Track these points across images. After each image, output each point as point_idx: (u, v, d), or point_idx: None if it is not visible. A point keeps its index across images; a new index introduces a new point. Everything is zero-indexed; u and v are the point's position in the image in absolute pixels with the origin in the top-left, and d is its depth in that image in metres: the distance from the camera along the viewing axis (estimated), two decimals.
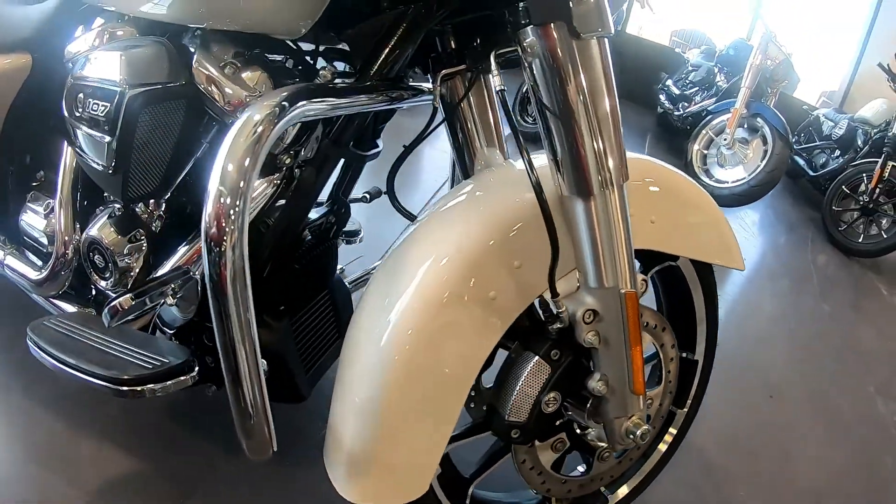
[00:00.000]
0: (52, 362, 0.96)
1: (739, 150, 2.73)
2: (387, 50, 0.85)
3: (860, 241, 3.47)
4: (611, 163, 0.77)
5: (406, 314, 0.75)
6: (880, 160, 3.34)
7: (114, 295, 1.08)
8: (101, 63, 0.93)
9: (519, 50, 0.76)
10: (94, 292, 1.21)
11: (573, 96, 0.73)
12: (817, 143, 3.88)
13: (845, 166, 3.63)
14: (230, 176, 0.64)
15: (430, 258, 0.78)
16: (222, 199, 0.64)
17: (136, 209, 1.07)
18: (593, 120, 0.74)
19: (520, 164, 0.90)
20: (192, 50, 0.94)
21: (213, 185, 0.64)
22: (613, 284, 0.82)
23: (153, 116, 0.89)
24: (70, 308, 1.20)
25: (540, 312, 0.85)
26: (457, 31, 0.94)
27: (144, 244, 1.07)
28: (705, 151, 3.24)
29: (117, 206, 1.08)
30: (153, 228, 1.08)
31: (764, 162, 2.66)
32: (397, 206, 1.07)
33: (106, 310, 0.96)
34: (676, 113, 4.20)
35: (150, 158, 0.94)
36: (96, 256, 1.09)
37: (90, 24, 1.16)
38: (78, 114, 0.95)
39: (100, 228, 1.07)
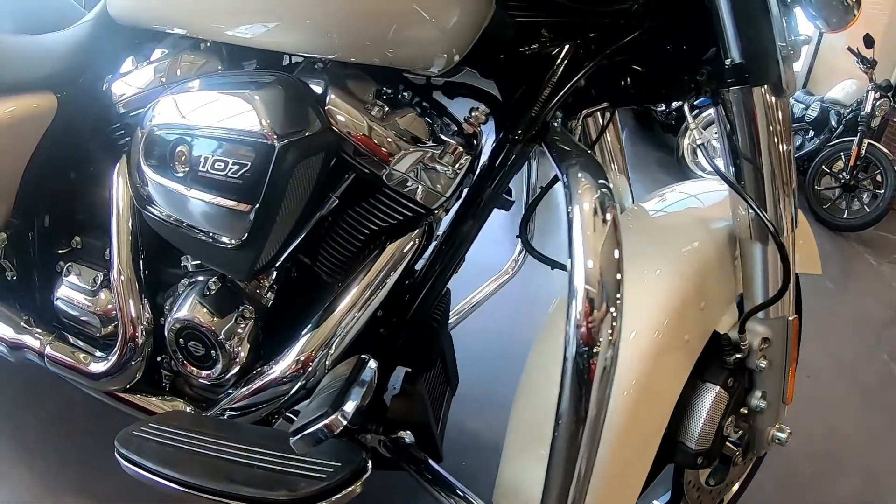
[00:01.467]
0: (175, 487, 0.76)
1: None
2: (549, 88, 0.76)
3: (844, 217, 3.60)
4: (791, 208, 0.79)
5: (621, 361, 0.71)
6: (856, 139, 3.46)
7: (212, 383, 0.90)
8: (221, 107, 0.73)
9: (713, 100, 0.76)
10: (166, 378, 1.00)
11: (769, 146, 0.75)
12: (791, 125, 4.02)
13: (822, 147, 3.73)
14: (595, 274, 0.58)
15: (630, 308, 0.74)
16: (593, 301, 0.58)
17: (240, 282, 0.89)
18: (783, 167, 0.77)
19: (652, 206, 0.95)
20: (319, 88, 0.77)
21: (580, 284, 0.58)
22: (783, 314, 0.87)
23: (301, 173, 0.72)
24: (139, 400, 0.99)
25: (723, 346, 0.87)
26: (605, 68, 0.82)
27: (253, 322, 0.88)
28: (695, 145, 3.27)
29: (208, 279, 0.89)
30: (264, 303, 0.89)
31: None
32: (534, 251, 0.97)
33: (300, 435, 0.71)
34: (659, 108, 4.23)
35: (285, 224, 0.76)
36: (191, 343, 0.89)
37: (143, 54, 0.94)
38: (180, 174, 0.75)
39: (192, 308, 0.88)
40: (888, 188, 3.39)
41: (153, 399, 0.98)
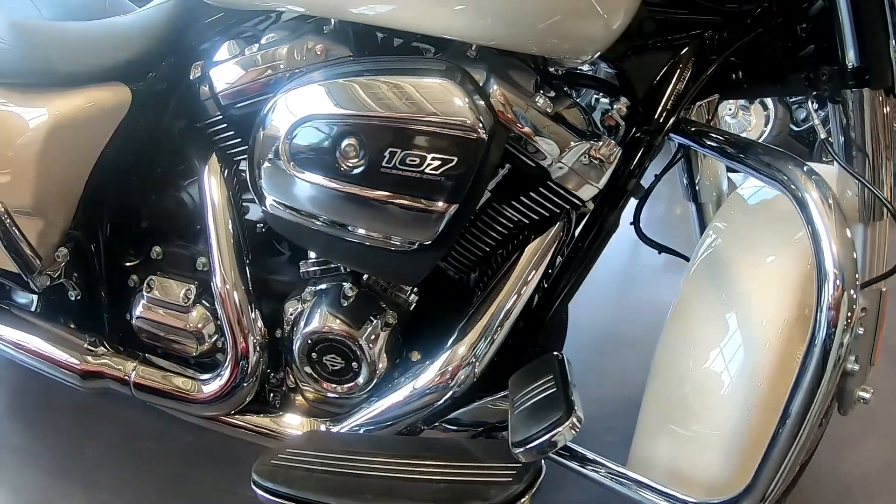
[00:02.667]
0: None
1: (742, 117, 2.86)
2: (682, 81, 0.74)
3: None
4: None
5: (756, 347, 0.76)
6: None
7: (343, 397, 0.83)
8: (408, 97, 0.65)
9: (831, 98, 0.77)
10: (275, 395, 0.92)
11: (881, 139, 0.76)
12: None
13: (828, 119, 3.87)
14: (841, 257, 0.57)
15: (759, 288, 0.79)
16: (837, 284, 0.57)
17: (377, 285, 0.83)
18: (892, 157, 0.79)
19: (751, 194, 0.95)
20: (478, 78, 0.71)
21: (829, 268, 0.57)
22: (877, 287, 0.89)
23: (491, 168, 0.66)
24: (247, 422, 0.90)
25: None
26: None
27: (394, 329, 0.82)
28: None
29: (338, 285, 0.82)
30: (406, 307, 0.83)
31: (768, 128, 2.83)
32: (645, 237, 0.97)
33: (531, 445, 0.66)
34: None
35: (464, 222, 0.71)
36: (328, 356, 0.82)
37: (245, 38, 0.84)
38: (351, 172, 0.68)
39: (327, 318, 0.80)
40: None
41: (260, 418, 0.90)
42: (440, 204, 0.65)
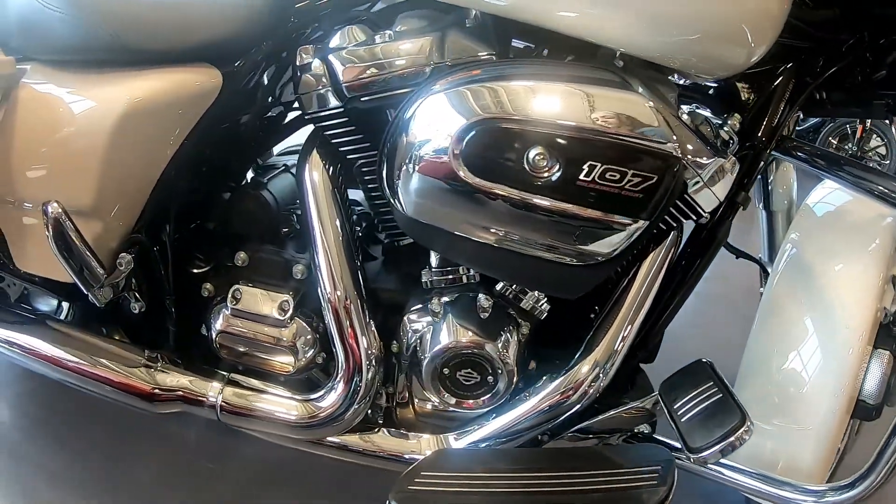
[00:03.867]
0: None
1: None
2: (785, 100, 0.76)
3: None
4: None
5: (839, 352, 0.82)
6: None
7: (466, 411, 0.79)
8: (600, 108, 0.61)
9: None
10: (379, 411, 0.85)
11: None
12: None
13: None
14: None
15: (839, 296, 0.85)
16: None
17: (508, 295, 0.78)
18: None
19: (820, 204, 1.00)
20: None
21: None
22: None
23: None
24: (355, 442, 0.82)
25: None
26: None
27: (527, 340, 0.78)
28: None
29: (471, 296, 0.77)
30: (538, 317, 0.78)
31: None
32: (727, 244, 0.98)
33: (714, 449, 0.67)
34: None
35: None
36: (463, 371, 0.76)
37: (370, 25, 0.76)
38: (533, 178, 0.62)
39: (464, 333, 0.75)
40: (893, 160, 3.55)
41: (364, 437, 0.82)
42: (633, 220, 0.62)
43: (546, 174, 0.62)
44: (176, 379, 0.84)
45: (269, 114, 0.90)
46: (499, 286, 0.78)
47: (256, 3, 0.78)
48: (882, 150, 3.80)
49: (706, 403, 0.71)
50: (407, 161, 0.67)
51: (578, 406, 0.77)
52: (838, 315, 0.85)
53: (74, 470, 1.04)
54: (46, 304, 1.15)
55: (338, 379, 0.79)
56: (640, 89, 0.65)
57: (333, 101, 0.75)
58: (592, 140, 0.61)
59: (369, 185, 0.80)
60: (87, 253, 0.78)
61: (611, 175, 0.60)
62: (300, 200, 0.79)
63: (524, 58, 0.72)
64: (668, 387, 0.75)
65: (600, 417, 0.79)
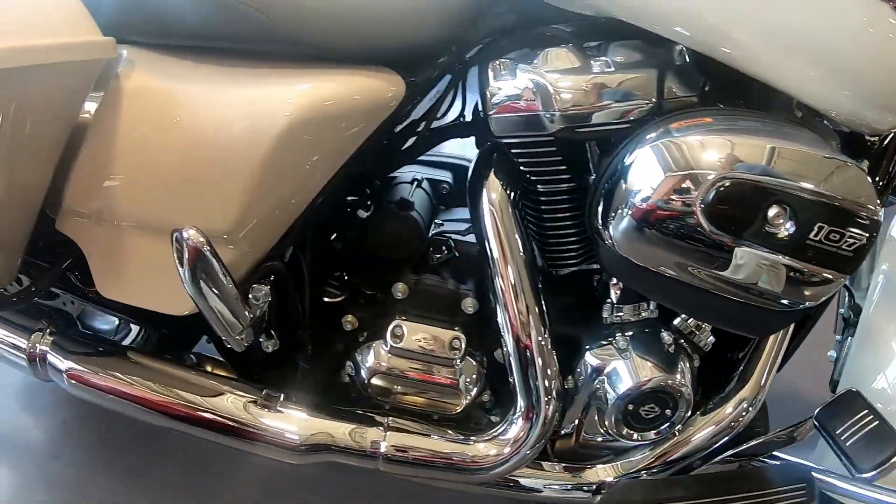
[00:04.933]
0: None
1: None
2: None
3: None
4: None
5: None
6: None
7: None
8: (812, 166, 0.62)
9: None
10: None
11: None
12: None
13: None
14: None
15: None
16: None
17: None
18: None
19: None
20: None
21: None
22: None
23: None
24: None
25: None
26: None
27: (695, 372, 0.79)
28: None
29: (649, 331, 0.77)
30: (705, 348, 0.80)
31: None
32: None
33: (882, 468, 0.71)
34: None
35: None
36: (646, 406, 0.75)
37: (588, 50, 0.69)
38: (768, 234, 0.62)
39: (653, 370, 0.74)
40: None
41: (533, 472, 0.80)
42: (841, 275, 0.66)
43: (779, 231, 0.63)
44: (324, 425, 0.74)
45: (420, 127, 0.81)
46: (676, 321, 0.79)
47: (451, 4, 0.68)
48: None
49: (868, 429, 0.78)
50: (630, 203, 0.64)
51: (731, 435, 0.82)
52: None
53: None
54: (106, 322, 0.97)
55: (516, 415, 0.75)
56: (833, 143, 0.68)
57: (539, 128, 0.69)
58: (826, 203, 0.63)
59: (545, 214, 0.76)
60: (234, 291, 0.65)
61: (834, 235, 0.63)
62: (478, 227, 0.73)
63: (747, 109, 0.71)
64: (827, 414, 0.81)
65: (752, 443, 0.84)
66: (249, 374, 0.83)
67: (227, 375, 0.81)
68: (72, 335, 0.87)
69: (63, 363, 0.83)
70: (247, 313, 0.67)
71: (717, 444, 0.82)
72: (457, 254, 0.80)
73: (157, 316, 0.77)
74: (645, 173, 0.64)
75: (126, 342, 1.04)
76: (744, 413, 0.81)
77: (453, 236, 0.81)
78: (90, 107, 0.72)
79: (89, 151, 0.72)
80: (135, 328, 1.02)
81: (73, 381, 0.83)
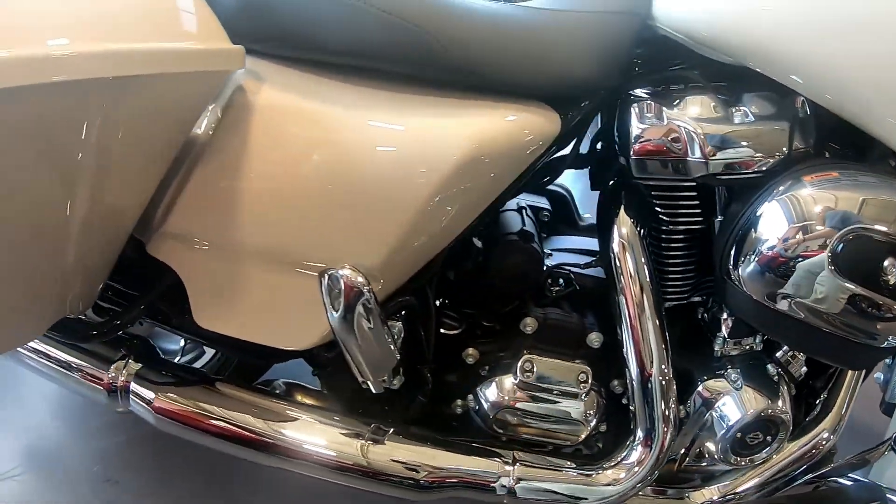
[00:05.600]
0: None
1: None
2: None
3: None
4: None
5: None
6: None
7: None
8: None
9: None
10: None
11: None
12: None
13: None
14: None
15: None
16: None
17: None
18: None
19: None
20: None
21: None
22: None
23: None
24: None
25: None
26: None
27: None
28: None
29: (767, 365, 0.81)
30: (799, 378, 0.84)
31: None
32: None
33: None
34: None
35: None
36: (752, 434, 0.79)
37: (715, 94, 0.70)
38: (884, 282, 0.65)
39: (761, 401, 0.78)
40: None
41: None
42: None
43: (892, 278, 0.67)
44: (448, 460, 0.74)
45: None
46: (778, 353, 0.83)
47: (615, 41, 0.68)
48: None
49: None
50: (761, 250, 0.68)
51: (815, 459, 0.87)
52: None
53: None
54: (172, 342, 0.92)
55: (636, 442, 0.77)
56: None
57: (683, 172, 0.70)
58: None
59: (670, 250, 0.77)
60: (385, 332, 0.63)
61: None
62: (609, 261, 0.74)
63: (863, 164, 0.74)
64: None
65: (834, 465, 0.90)
66: (352, 407, 0.81)
67: (322, 406, 0.78)
68: (156, 365, 0.82)
69: (149, 395, 0.78)
70: (397, 354, 0.65)
71: (803, 467, 0.88)
72: (577, 286, 0.81)
73: (256, 347, 0.74)
74: (777, 224, 0.67)
75: (197, 366, 1.00)
76: (827, 439, 0.86)
77: (571, 268, 0.82)
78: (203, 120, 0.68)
79: (204, 171, 0.67)
80: (209, 352, 0.97)
81: (160, 416, 0.78)
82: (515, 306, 0.77)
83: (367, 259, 0.65)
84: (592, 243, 0.88)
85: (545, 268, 0.80)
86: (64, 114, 0.51)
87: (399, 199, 0.63)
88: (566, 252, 0.86)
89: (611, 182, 0.78)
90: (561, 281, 0.81)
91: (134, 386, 0.79)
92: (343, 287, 0.60)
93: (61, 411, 1.13)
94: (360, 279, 0.60)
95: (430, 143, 0.62)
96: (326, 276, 0.61)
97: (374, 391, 0.68)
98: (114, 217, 0.68)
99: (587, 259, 0.82)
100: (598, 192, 0.84)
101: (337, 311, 0.61)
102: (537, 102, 0.67)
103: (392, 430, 0.76)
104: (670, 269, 0.79)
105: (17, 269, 0.60)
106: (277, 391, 0.84)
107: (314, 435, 0.74)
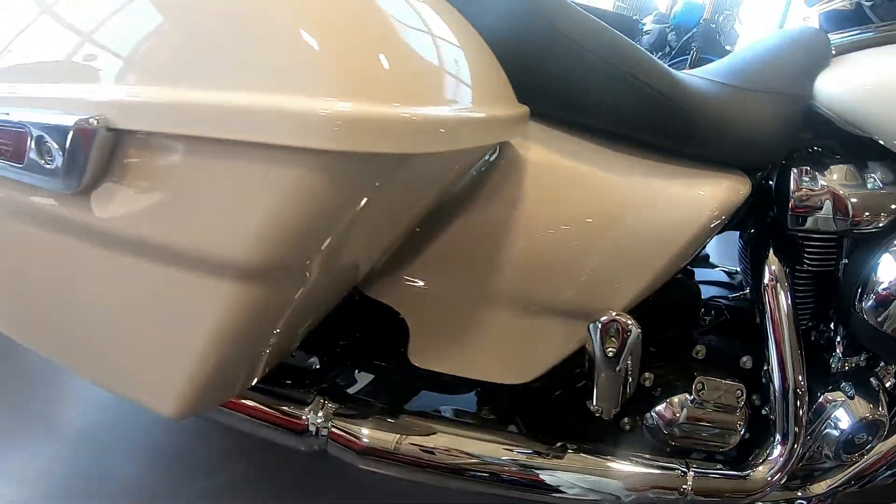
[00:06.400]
0: None
1: None
2: None
3: None
4: None
5: None
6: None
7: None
8: None
9: None
10: None
11: None
12: None
13: None
14: None
15: None
16: None
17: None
18: None
19: None
20: None
21: None
22: None
23: None
24: None
25: None
26: None
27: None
28: None
29: (870, 378, 0.98)
30: (890, 388, 1.02)
31: None
32: None
33: None
34: None
35: None
36: (858, 435, 0.96)
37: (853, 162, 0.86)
38: None
39: (870, 409, 0.95)
40: None
41: None
42: None
43: None
44: (639, 474, 0.85)
45: None
46: (877, 368, 1.01)
47: (793, 116, 0.82)
48: None
49: None
50: (879, 290, 0.86)
51: None
52: None
53: None
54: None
55: (775, 444, 0.93)
56: None
57: (830, 227, 0.86)
58: None
59: (807, 285, 0.93)
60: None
61: None
62: (760, 295, 0.89)
63: None
64: None
65: None
66: (532, 429, 0.90)
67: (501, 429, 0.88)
68: (349, 404, 0.85)
69: (351, 437, 0.82)
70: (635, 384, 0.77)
71: (890, 462, 1.06)
72: (727, 315, 0.95)
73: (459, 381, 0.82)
74: (891, 269, 0.85)
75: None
76: None
77: (720, 300, 0.96)
78: None
79: (459, 223, 0.73)
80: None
81: (368, 456, 0.82)
82: (687, 335, 0.91)
83: (613, 304, 0.76)
84: (716, 274, 1.04)
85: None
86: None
87: (647, 256, 0.75)
88: (704, 284, 1.00)
89: (752, 229, 0.94)
90: (713, 312, 0.95)
91: (335, 429, 0.83)
92: (619, 329, 0.71)
93: (99, 435, 1.09)
94: (632, 323, 0.72)
95: (686, 209, 0.75)
96: (599, 324, 0.72)
97: (606, 417, 0.79)
98: (352, 271, 0.73)
99: (729, 292, 0.97)
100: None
101: (609, 351, 0.72)
102: (735, 169, 0.80)
103: (576, 447, 0.87)
104: (800, 300, 0.96)
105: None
106: (459, 418, 0.93)
107: (519, 457, 0.84)
